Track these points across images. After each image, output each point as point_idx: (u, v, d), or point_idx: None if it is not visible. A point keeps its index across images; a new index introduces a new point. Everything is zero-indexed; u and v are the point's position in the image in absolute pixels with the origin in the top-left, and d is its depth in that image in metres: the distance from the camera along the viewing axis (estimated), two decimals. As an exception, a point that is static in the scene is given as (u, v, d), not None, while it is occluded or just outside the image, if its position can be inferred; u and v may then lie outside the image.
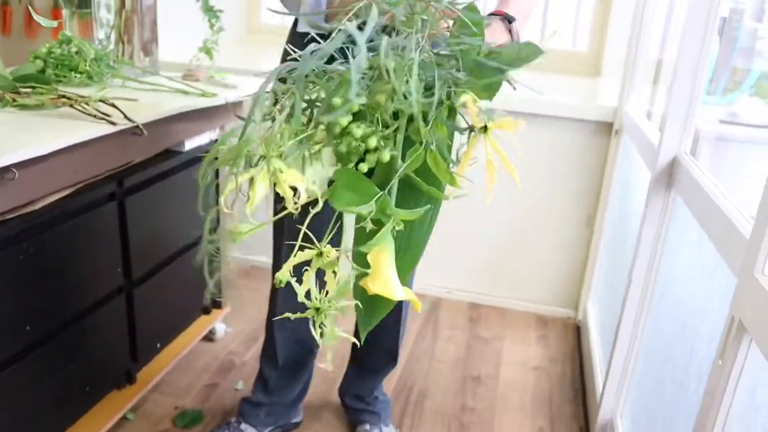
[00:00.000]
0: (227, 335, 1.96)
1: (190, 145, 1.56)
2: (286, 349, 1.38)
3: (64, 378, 1.31)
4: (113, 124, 1.20)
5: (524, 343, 2.06)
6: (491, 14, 1.04)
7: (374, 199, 0.64)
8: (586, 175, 2.08)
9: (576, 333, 2.14)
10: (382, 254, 0.64)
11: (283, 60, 1.23)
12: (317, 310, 0.66)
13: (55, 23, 1.09)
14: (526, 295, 2.25)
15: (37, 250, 1.17)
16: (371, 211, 0.63)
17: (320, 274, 0.67)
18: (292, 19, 1.23)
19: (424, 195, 0.70)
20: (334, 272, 0.66)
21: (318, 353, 1.47)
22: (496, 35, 0.99)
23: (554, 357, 1.99)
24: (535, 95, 2.09)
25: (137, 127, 1.25)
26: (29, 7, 1.12)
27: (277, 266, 1.32)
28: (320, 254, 0.66)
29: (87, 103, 1.22)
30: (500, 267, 2.24)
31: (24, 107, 1.26)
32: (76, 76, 1.42)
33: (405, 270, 0.69)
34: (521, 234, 2.18)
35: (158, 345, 1.62)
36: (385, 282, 0.64)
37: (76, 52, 1.56)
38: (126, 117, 1.24)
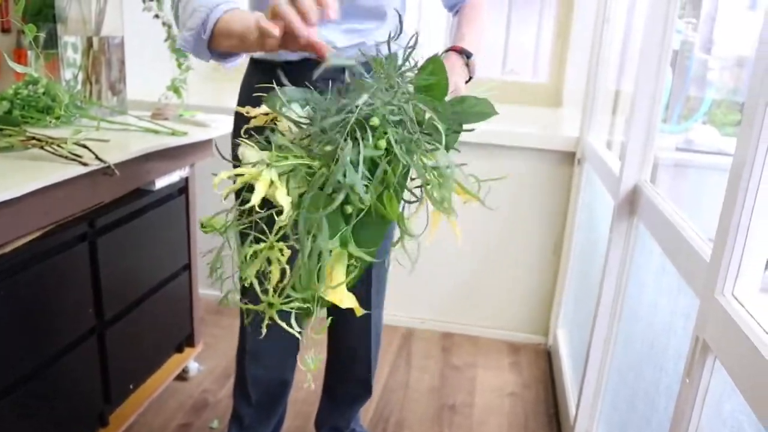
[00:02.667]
0: (200, 373, 1.93)
1: (160, 183, 1.56)
2: (260, 385, 1.37)
3: (36, 422, 1.28)
4: (85, 164, 1.20)
5: (497, 370, 2.08)
6: (448, 49, 1.07)
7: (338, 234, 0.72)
8: (551, 203, 2.13)
9: (547, 358, 2.17)
10: (337, 268, 0.76)
11: (244, 89, 1.25)
12: (269, 305, 0.74)
13: (30, 69, 1.09)
14: (497, 323, 2.27)
15: (6, 294, 1.15)
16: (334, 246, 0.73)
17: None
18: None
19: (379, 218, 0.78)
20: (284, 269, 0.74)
21: (292, 386, 1.47)
22: (455, 70, 1.01)
23: (527, 383, 2.01)
24: (498, 128, 2.15)
25: (109, 167, 1.25)
26: (5, 55, 1.12)
27: (243, 291, 1.32)
28: (271, 248, 0.73)
29: (59, 145, 1.22)
30: (471, 296, 2.27)
31: (-7, 149, 1.25)
32: (49, 120, 1.42)
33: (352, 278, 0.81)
34: (491, 263, 2.22)
35: (131, 386, 1.60)
36: (336, 292, 0.76)
37: (44, 93, 1.56)
38: (98, 158, 1.24)
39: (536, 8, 2.51)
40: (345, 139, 0.73)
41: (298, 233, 0.70)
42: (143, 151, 1.39)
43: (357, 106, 0.74)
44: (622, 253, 1.36)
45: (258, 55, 1.20)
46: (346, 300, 0.78)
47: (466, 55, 1.06)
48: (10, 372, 1.20)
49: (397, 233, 0.88)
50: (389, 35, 0.85)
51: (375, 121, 0.72)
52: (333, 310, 1.43)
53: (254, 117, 0.87)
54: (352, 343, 1.43)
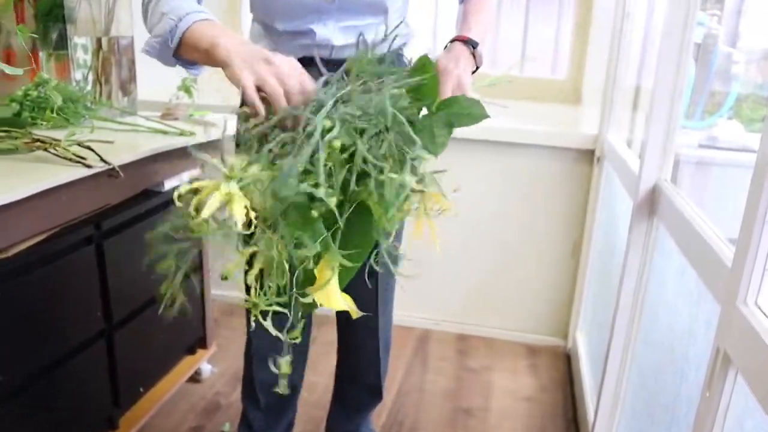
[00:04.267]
0: (213, 375, 1.92)
1: (169, 185, 1.54)
2: (268, 389, 1.35)
3: (44, 426, 1.27)
4: (88, 166, 1.18)
5: (514, 373, 2.03)
6: (454, 39, 1.04)
7: (319, 240, 0.72)
8: (570, 202, 2.08)
9: (566, 361, 2.12)
10: (325, 270, 0.76)
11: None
12: (254, 305, 0.76)
13: (20, 71, 1.08)
14: (514, 325, 2.23)
15: (11, 297, 1.14)
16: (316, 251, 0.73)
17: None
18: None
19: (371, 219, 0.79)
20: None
21: (301, 390, 1.44)
22: (460, 61, 0.98)
23: (545, 386, 1.96)
24: (515, 125, 2.10)
25: (113, 169, 1.24)
26: None
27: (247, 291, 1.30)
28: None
29: (61, 146, 1.21)
30: (488, 297, 2.22)
31: (-2, 152, 1.24)
32: (53, 116, 1.40)
33: (343, 281, 0.81)
34: (508, 264, 2.17)
35: (141, 389, 1.59)
36: (326, 293, 0.75)
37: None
38: (102, 159, 1.22)
39: (555, 3, 2.45)
40: (291, 145, 0.72)
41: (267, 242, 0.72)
42: (150, 152, 1.37)
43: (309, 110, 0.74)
44: (642, 255, 1.31)
45: None
46: (338, 302, 0.77)
47: (471, 44, 1.02)
48: (17, 375, 1.19)
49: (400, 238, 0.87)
50: (386, 30, 0.84)
51: (327, 123, 0.72)
52: (340, 316, 1.41)
53: (255, 116, 0.86)
54: (360, 348, 1.40)
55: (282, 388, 0.84)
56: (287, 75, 0.83)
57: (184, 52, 0.90)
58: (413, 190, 0.76)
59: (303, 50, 1.13)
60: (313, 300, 0.78)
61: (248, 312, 1.33)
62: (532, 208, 2.11)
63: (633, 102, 1.90)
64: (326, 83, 0.86)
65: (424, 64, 0.82)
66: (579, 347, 2.00)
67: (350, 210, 0.75)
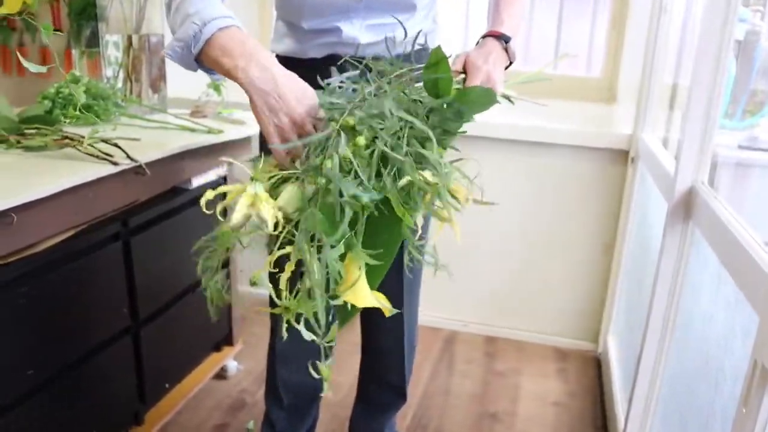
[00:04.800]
0: (239, 372, 1.92)
1: (197, 182, 1.55)
2: (290, 388, 1.34)
3: (70, 420, 1.28)
4: (115, 164, 1.19)
5: (543, 377, 1.99)
6: (486, 35, 1.02)
7: (341, 237, 0.72)
8: (602, 203, 2.03)
9: (596, 366, 2.07)
10: (352, 269, 0.75)
11: None
12: (286, 309, 0.76)
13: (43, 68, 1.09)
14: (543, 328, 2.19)
15: (39, 293, 1.15)
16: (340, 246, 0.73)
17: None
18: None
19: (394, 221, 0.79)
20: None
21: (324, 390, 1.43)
22: (491, 57, 0.96)
23: (574, 392, 1.92)
24: (547, 125, 2.06)
25: (140, 166, 1.24)
26: (17, 53, 1.12)
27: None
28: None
29: (89, 144, 1.22)
30: (517, 299, 2.18)
31: (28, 149, 1.26)
32: (76, 113, 1.42)
33: (374, 279, 0.80)
34: (538, 265, 2.13)
35: (166, 385, 1.60)
36: (355, 292, 0.74)
37: (85, 92, 1.57)
38: (128, 156, 1.23)
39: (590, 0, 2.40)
40: (323, 149, 0.72)
41: (298, 242, 0.71)
42: (176, 149, 1.37)
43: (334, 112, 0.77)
44: (676, 260, 1.27)
45: (284, 52, 1.17)
46: (368, 299, 0.77)
47: (504, 40, 1.00)
48: (45, 369, 1.20)
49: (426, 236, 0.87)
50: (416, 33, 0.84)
51: (350, 121, 0.73)
52: (365, 316, 1.40)
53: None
54: (385, 349, 1.39)
55: (324, 390, 0.85)
56: (295, 109, 0.83)
57: (206, 61, 0.88)
58: (429, 183, 0.75)
59: (328, 48, 1.11)
60: (349, 305, 0.78)
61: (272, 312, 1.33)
62: (564, 209, 2.06)
63: (670, 101, 1.84)
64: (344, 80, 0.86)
65: (438, 57, 0.81)
66: (610, 352, 1.95)
67: (375, 207, 0.74)
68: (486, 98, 0.85)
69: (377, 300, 0.78)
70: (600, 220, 2.05)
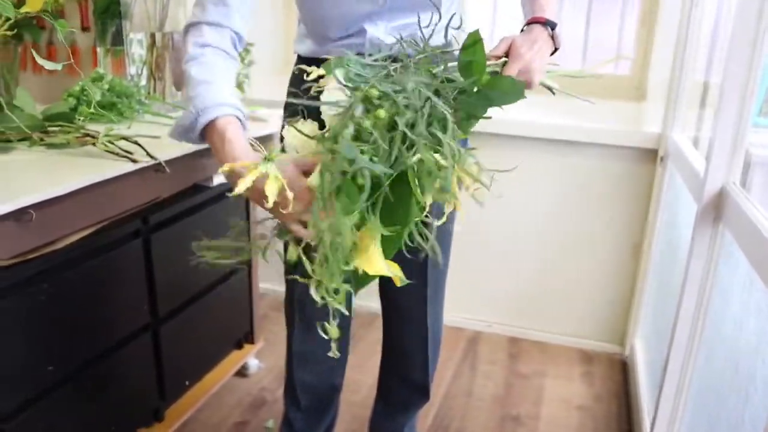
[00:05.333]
0: (260, 370, 1.92)
1: (218, 180, 1.55)
2: (308, 389, 1.33)
3: (90, 416, 1.29)
4: (134, 161, 1.19)
5: (567, 380, 1.95)
6: (531, 21, 1.00)
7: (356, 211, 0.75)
8: (631, 203, 1.98)
9: (623, 370, 2.02)
10: (367, 237, 0.77)
11: (291, 83, 1.23)
12: (319, 283, 0.78)
13: (58, 66, 1.09)
14: (569, 329, 2.15)
15: (58, 290, 1.16)
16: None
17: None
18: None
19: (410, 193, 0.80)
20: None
21: (342, 389, 1.42)
22: (536, 45, 0.95)
23: (599, 395, 1.88)
24: (575, 123, 2.02)
25: (159, 164, 1.24)
26: (32, 51, 1.13)
27: (289, 298, 1.30)
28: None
29: (109, 141, 1.22)
30: (542, 299, 2.15)
31: (50, 146, 1.27)
32: (90, 111, 1.43)
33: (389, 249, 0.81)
34: (564, 265, 2.09)
35: (186, 382, 1.60)
36: (368, 259, 0.77)
37: (108, 90, 1.58)
38: (148, 154, 1.23)
39: (619, -6, 2.34)
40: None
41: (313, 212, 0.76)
42: (196, 147, 1.37)
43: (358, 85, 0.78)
44: (705, 263, 1.23)
45: (305, 53, 1.17)
46: (381, 267, 0.79)
47: (550, 26, 0.99)
48: (64, 365, 1.21)
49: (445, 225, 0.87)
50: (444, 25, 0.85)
51: (372, 92, 0.74)
52: (386, 311, 1.38)
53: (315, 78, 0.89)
54: (408, 346, 1.36)
55: (333, 352, 0.85)
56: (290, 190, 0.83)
57: (207, 140, 0.91)
58: (440, 167, 0.75)
59: (352, 50, 1.10)
60: (364, 272, 0.79)
61: (288, 312, 1.31)
62: (591, 208, 2.02)
63: (701, 99, 1.79)
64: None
65: (475, 40, 0.80)
66: (637, 355, 1.91)
67: (391, 180, 0.76)
68: (515, 91, 0.85)
69: (389, 269, 0.80)
70: (628, 221, 2.00)
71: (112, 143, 1.22)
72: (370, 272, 0.78)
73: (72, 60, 1.43)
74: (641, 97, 2.26)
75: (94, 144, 1.22)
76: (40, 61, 1.03)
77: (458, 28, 0.98)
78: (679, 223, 1.62)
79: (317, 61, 1.13)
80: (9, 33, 1.47)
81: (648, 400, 1.66)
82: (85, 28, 2.09)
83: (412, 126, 0.75)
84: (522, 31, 1.00)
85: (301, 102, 0.82)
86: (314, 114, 0.87)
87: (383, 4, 1.07)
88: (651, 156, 1.92)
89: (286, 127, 0.89)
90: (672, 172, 1.78)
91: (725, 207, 1.15)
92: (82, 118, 1.37)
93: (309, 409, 1.35)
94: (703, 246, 1.22)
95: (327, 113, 0.83)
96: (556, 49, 1.00)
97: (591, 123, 1.97)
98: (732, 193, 1.12)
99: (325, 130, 0.84)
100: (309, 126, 0.88)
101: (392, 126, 0.75)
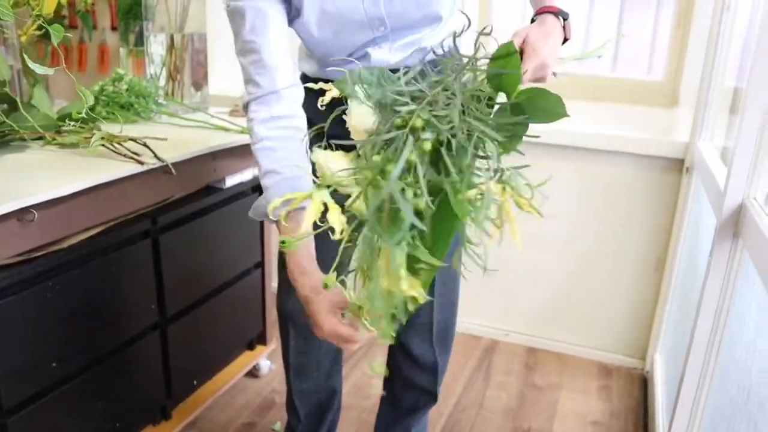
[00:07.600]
0: (271, 372, 1.92)
1: (231, 181, 1.55)
2: (306, 399, 1.33)
3: (98, 413, 1.30)
4: (141, 163, 1.20)
5: (584, 393, 1.90)
6: (543, 11, 0.95)
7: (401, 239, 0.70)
8: (655, 215, 1.92)
9: (642, 385, 1.96)
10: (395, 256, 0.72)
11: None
12: (359, 308, 0.77)
13: (50, 70, 1.10)
14: (588, 341, 2.09)
15: (64, 288, 1.17)
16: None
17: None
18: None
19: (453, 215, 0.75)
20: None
21: (341, 391, 1.40)
22: (551, 38, 0.91)
23: (616, 411, 1.82)
24: (598, 130, 1.95)
25: (167, 165, 1.25)
26: (24, 55, 1.14)
27: (282, 313, 1.28)
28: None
29: (118, 142, 1.23)
30: (562, 310, 2.10)
31: (62, 146, 1.28)
32: (111, 114, 1.44)
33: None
34: (585, 276, 2.04)
35: (194, 382, 1.61)
36: (395, 279, 0.72)
37: (127, 90, 1.60)
38: (155, 156, 1.23)
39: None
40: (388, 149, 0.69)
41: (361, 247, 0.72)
42: (204, 149, 1.37)
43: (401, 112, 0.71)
44: (723, 282, 1.17)
45: (309, 72, 1.16)
46: (423, 290, 0.76)
47: (563, 17, 0.94)
48: (72, 363, 1.22)
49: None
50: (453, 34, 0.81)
51: (418, 122, 0.69)
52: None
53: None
54: (415, 349, 1.32)
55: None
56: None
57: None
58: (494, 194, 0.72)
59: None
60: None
61: (282, 327, 1.29)
62: (614, 218, 1.96)
63: (731, 106, 1.72)
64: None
65: (509, 51, 0.74)
66: (656, 371, 1.85)
67: (435, 208, 0.72)
68: (557, 108, 0.78)
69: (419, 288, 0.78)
70: (652, 233, 1.94)
71: (120, 144, 1.23)
72: (419, 298, 0.76)
73: (66, 61, 1.44)
74: (674, 103, 2.19)
75: (102, 145, 1.23)
76: (31, 65, 1.04)
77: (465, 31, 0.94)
78: (701, 238, 1.56)
79: (323, 80, 1.11)
80: (38, 32, 1.51)
81: (663, 417, 1.60)
82: (114, 28, 2.13)
83: (456, 153, 0.70)
84: (533, 21, 0.96)
85: (333, 138, 0.77)
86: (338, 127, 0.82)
87: (385, 29, 1.05)
88: (677, 166, 1.85)
89: (315, 150, 0.82)
90: (697, 183, 1.72)
91: (744, 224, 1.10)
92: (94, 118, 1.38)
93: (309, 417, 1.35)
94: (721, 264, 1.17)
95: (352, 125, 0.79)
96: (566, 40, 0.96)
97: (615, 130, 1.91)
98: (751, 209, 1.07)
99: (356, 155, 0.78)
100: (340, 158, 0.82)
101: (436, 156, 0.71)
